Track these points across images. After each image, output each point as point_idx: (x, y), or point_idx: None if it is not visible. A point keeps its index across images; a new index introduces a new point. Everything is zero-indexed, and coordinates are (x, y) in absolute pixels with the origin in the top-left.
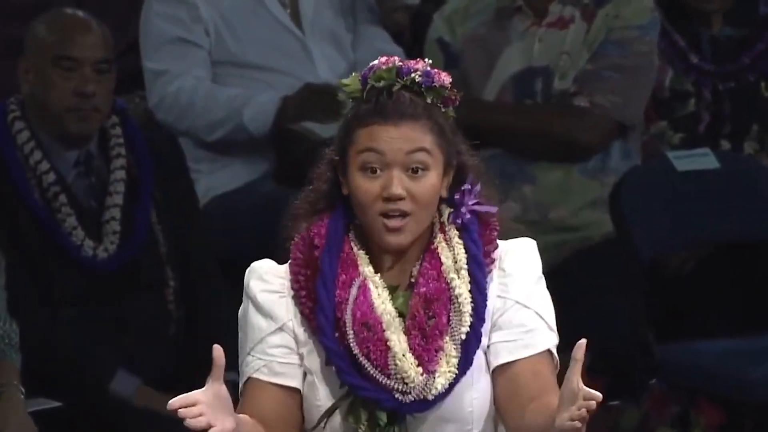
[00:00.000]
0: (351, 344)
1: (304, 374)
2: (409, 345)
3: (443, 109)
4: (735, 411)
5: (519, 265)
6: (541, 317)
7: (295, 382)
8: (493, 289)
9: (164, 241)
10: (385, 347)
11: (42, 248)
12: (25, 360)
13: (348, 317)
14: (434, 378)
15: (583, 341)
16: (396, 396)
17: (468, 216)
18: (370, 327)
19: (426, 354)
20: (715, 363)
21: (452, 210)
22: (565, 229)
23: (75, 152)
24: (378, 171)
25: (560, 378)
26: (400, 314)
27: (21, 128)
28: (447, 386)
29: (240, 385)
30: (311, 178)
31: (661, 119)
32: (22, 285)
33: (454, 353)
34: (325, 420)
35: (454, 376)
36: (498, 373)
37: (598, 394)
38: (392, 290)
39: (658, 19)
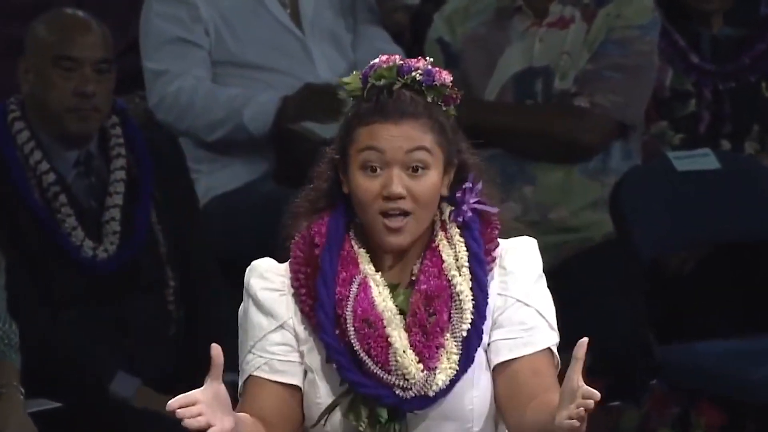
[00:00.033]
0: (352, 341)
1: (305, 372)
2: (409, 341)
3: (444, 108)
4: (736, 412)
5: (520, 263)
6: (541, 315)
7: (295, 380)
8: (493, 287)
9: (164, 242)
10: (385, 343)
11: (42, 248)
12: (24, 360)
13: (349, 314)
14: (435, 374)
15: (585, 340)
16: (396, 392)
17: (469, 214)
18: (371, 323)
19: (427, 350)
20: (716, 364)
21: (453, 208)
22: (566, 230)
23: (75, 152)
24: (378, 170)
25: (561, 377)
26: (401, 312)
27: (21, 128)
28: (448, 383)
29: (240, 384)
30: (312, 176)
31: (662, 119)
32: (22, 285)
33: (454, 350)
34: (326, 417)
35: (455, 372)
36: (498, 371)
37: (597, 394)
38: (393, 288)
39: (658, 18)
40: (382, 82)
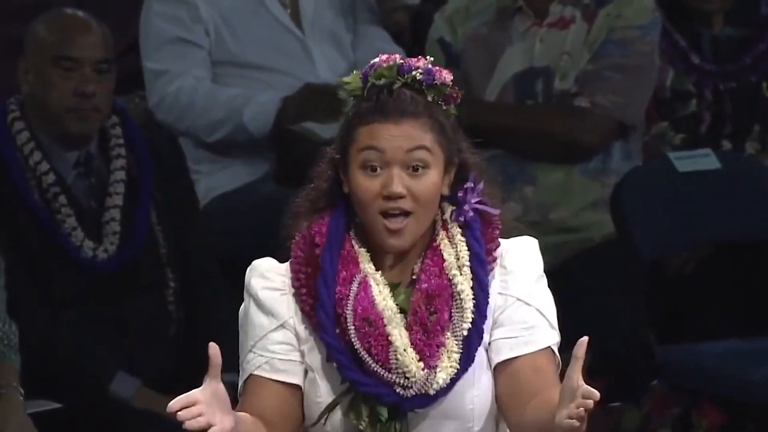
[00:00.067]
0: (352, 339)
1: (305, 371)
2: (410, 340)
3: (444, 107)
4: (736, 412)
5: (520, 262)
6: (542, 314)
7: (296, 379)
8: (494, 287)
9: (164, 242)
10: (386, 342)
11: (42, 249)
12: (24, 361)
13: (349, 313)
14: (435, 373)
15: (585, 338)
16: (397, 390)
17: (471, 214)
18: (371, 322)
19: (427, 349)
20: (717, 364)
21: (454, 208)
22: (566, 230)
23: (75, 153)
24: (378, 169)
25: (562, 378)
26: (402, 311)
27: (21, 128)
28: (448, 381)
29: (240, 383)
30: (312, 176)
31: (663, 120)
32: (22, 285)
33: (455, 349)
34: (326, 416)
35: (456, 371)
36: (499, 369)
37: (597, 393)
38: (393, 287)
39: (659, 19)
40: (383, 81)
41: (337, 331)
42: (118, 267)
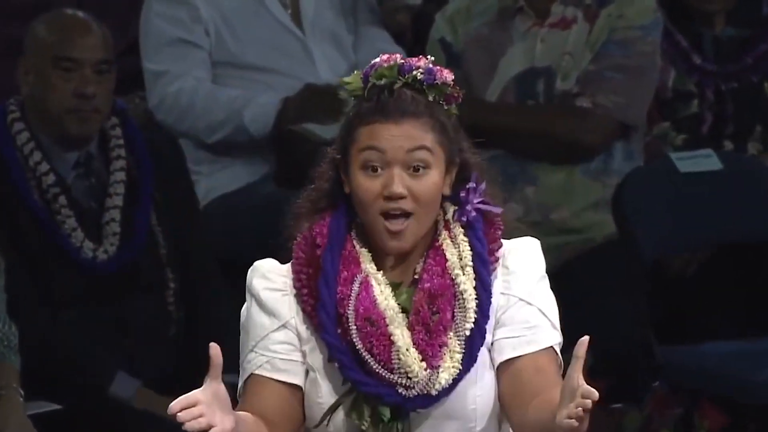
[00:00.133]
0: (354, 339)
1: (306, 372)
2: (412, 340)
3: (445, 107)
4: (738, 413)
5: (522, 263)
6: (544, 314)
7: (297, 380)
8: (496, 287)
9: (164, 243)
10: (388, 342)
11: (42, 249)
12: (24, 361)
13: (350, 313)
14: (438, 373)
15: (586, 338)
16: (399, 390)
17: (473, 214)
18: (373, 322)
19: (430, 349)
20: (718, 365)
21: (457, 208)
22: (568, 231)
23: (75, 153)
24: (379, 169)
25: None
26: (404, 310)
27: (21, 129)
28: (451, 381)
29: (240, 383)
30: (313, 176)
31: (664, 120)
32: (22, 286)
33: (458, 349)
34: (328, 417)
35: (458, 371)
36: (502, 369)
37: (596, 393)
38: (395, 287)
39: (660, 19)
40: (383, 81)
41: (339, 331)
42: (118, 267)
